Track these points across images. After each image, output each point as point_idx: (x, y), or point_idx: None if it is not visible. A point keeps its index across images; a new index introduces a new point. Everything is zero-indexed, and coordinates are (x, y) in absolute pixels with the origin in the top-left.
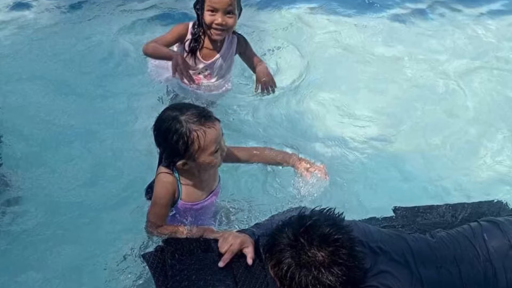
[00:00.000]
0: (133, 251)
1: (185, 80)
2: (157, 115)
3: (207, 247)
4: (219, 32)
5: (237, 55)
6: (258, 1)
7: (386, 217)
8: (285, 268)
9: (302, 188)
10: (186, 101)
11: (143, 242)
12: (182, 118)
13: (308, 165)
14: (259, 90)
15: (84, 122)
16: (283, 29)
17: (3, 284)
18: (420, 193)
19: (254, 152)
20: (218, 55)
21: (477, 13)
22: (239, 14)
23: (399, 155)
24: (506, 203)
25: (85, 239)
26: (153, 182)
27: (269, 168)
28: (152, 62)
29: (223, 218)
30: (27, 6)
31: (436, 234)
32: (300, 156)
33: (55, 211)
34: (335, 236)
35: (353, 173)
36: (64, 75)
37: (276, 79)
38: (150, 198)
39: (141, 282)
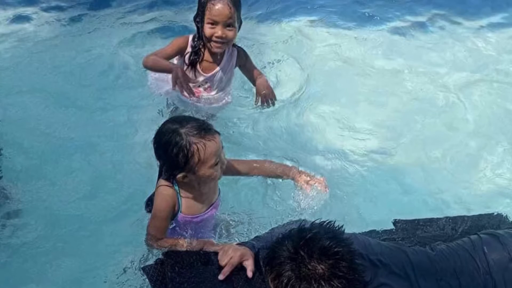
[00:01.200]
0: (133, 264)
1: (185, 93)
2: (157, 128)
3: (207, 260)
4: (219, 45)
5: (237, 68)
6: (258, 14)
7: (386, 230)
8: (285, 281)
9: (302, 201)
10: (186, 114)
11: (143, 255)
12: (182, 131)
13: (308, 178)
14: (259, 103)
15: (84, 135)
16: (283, 42)
17: None
18: (420, 206)
19: (254, 165)
20: (218, 68)
21: (477, 26)
22: (239, 27)
23: (399, 168)
24: (506, 216)
25: (85, 252)
26: (153, 195)
27: (269, 181)
28: (152, 75)
29: (223, 231)
30: (27, 19)
31: (436, 247)
32: (300, 169)
33: (55, 224)
34: (335, 249)
35: (353, 186)
36: (64, 87)
37: (276, 92)
38: (150, 211)
39: None
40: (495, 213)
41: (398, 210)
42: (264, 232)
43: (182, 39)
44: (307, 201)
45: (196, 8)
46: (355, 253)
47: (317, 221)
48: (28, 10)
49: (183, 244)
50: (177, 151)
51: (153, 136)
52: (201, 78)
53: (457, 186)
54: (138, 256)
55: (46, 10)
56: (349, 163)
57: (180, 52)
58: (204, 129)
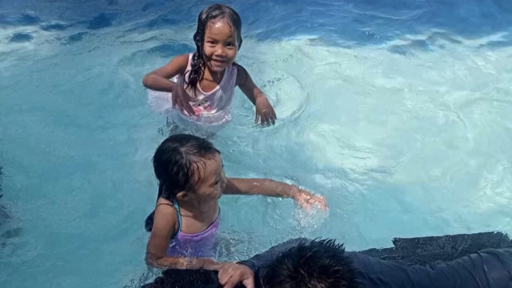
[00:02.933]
0: (133, 282)
1: (185, 112)
2: (157, 146)
3: (207, 278)
4: (219, 63)
5: (237, 87)
6: (258, 33)
7: (386, 249)
8: None
9: (302, 219)
10: (186, 132)
11: (143, 274)
12: (182, 149)
13: (308, 197)
14: (259, 122)
15: (84, 154)
16: (283, 61)
17: None
18: (420, 225)
19: (254, 183)
20: (218, 87)
21: (477, 44)
22: (239, 46)
23: (399, 186)
24: (506, 234)
25: (85, 271)
26: (153, 213)
27: (269, 199)
28: (152, 93)
29: (223, 250)
30: (27, 37)
31: (436, 266)
32: (300, 187)
33: (55, 243)
34: (335, 268)
35: (353, 204)
36: (64, 106)
37: (276, 111)
38: (150, 230)
39: None
40: (495, 232)
41: (398, 228)
42: (264, 251)
43: (182, 58)
44: (307, 220)
45: (196, 26)
46: (355, 272)
47: (317, 240)
48: (28, 29)
49: (183, 262)
50: (177, 169)
51: (153, 154)
52: (201, 97)
53: (457, 205)
54: (138, 275)
55: (46, 28)
56: (349, 182)
57: (180, 71)
58: (204, 147)
